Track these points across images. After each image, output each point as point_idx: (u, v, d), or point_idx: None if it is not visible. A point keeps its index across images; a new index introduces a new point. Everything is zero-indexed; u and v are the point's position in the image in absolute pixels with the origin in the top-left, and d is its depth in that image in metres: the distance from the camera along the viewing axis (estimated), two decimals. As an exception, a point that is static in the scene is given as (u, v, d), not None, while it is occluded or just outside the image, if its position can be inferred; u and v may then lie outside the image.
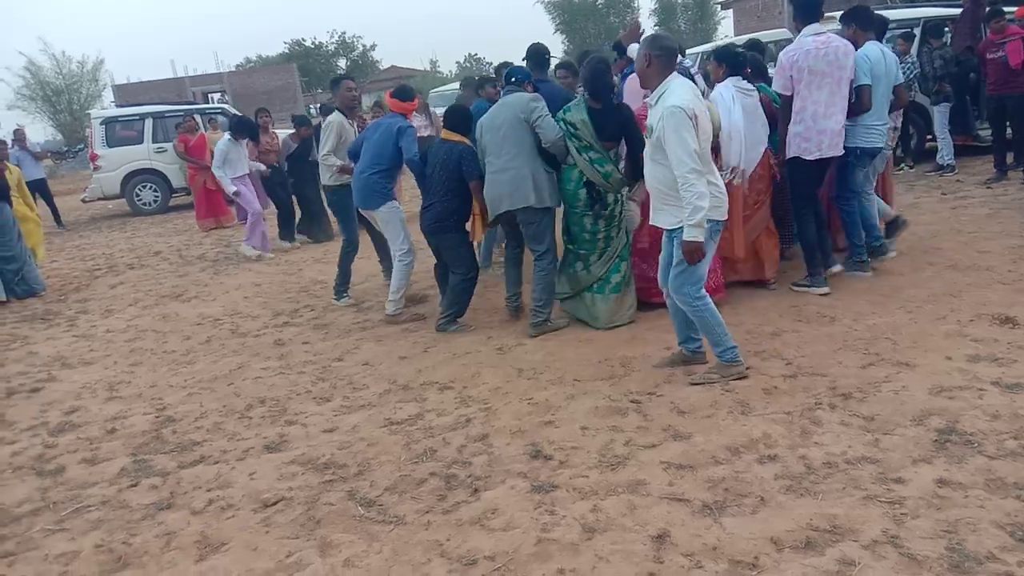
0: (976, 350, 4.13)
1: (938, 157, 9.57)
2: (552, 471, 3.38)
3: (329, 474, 3.60)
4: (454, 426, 3.97)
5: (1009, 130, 8.79)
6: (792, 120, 5.28)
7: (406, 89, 6.21)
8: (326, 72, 62.05)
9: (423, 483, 3.41)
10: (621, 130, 4.97)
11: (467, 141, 5.45)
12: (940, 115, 9.31)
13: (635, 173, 4.87)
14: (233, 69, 52.17)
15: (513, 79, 5.36)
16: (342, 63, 65.34)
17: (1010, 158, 8.75)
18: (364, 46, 64.38)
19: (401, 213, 6.03)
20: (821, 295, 5.31)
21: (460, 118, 5.54)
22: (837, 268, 5.65)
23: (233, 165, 9.14)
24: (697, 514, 2.92)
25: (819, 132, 5.20)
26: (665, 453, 3.41)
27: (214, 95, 40.55)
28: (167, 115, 15.19)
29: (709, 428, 3.60)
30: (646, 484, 3.17)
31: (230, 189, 9.12)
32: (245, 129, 9.31)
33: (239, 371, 5.27)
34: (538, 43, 6.36)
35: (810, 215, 5.44)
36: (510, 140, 5.07)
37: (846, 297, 5.24)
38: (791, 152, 5.34)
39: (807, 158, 5.27)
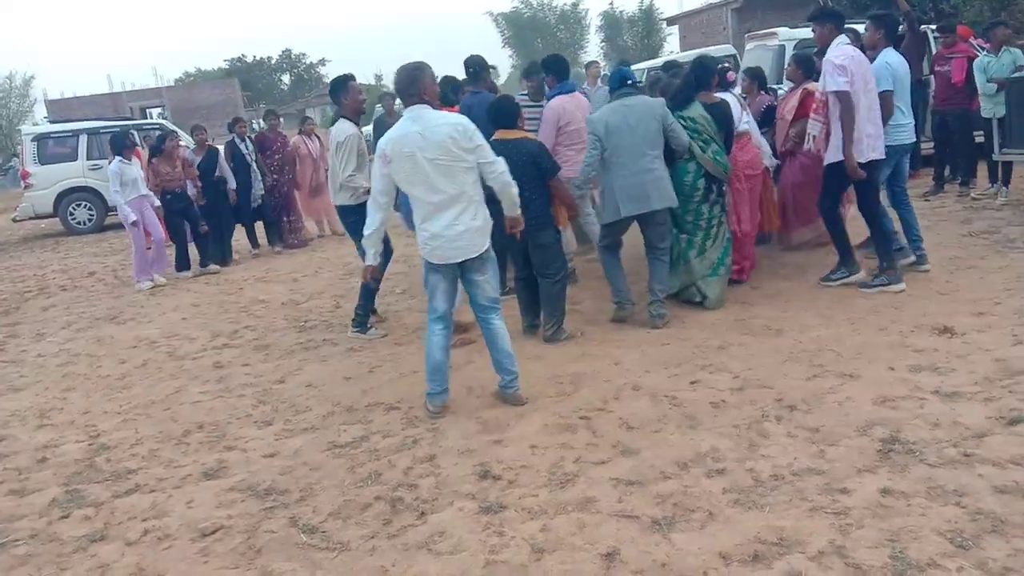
0: (917, 360, 4.22)
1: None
2: (501, 491, 3.33)
3: (270, 500, 3.50)
4: (400, 448, 3.89)
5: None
6: (866, 120, 5.22)
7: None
8: (268, 87, 61.46)
9: (368, 507, 3.33)
10: (727, 121, 5.56)
11: (529, 136, 5.30)
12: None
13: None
14: (172, 84, 51.32)
15: (630, 81, 5.43)
16: (286, 78, 64.69)
17: (947, 171, 9.00)
18: (311, 61, 64.07)
19: None
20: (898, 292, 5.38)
21: (509, 115, 5.17)
22: (910, 259, 5.81)
23: (129, 187, 8.39)
24: (647, 530, 2.90)
25: (873, 135, 5.30)
26: (615, 469, 3.39)
27: (153, 110, 39.72)
28: (102, 131, 14.75)
29: (658, 443, 3.60)
30: (596, 501, 3.14)
31: (129, 218, 8.36)
32: (119, 143, 8.51)
33: (176, 395, 5.10)
34: (475, 55, 6.53)
35: (839, 214, 5.67)
36: (648, 142, 5.12)
37: (792, 310, 5.31)
38: (868, 155, 5.27)
39: (877, 158, 5.36)
